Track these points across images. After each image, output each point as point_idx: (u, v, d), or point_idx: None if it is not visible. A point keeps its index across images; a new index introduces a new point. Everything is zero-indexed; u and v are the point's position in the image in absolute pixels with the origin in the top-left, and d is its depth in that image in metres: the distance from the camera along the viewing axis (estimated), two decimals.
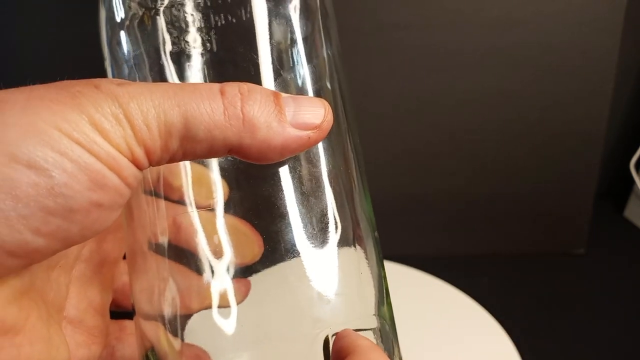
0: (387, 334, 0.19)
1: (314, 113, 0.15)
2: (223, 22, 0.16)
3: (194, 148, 0.14)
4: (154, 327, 0.17)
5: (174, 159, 0.14)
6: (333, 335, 0.17)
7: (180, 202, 0.17)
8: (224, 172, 0.17)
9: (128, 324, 0.21)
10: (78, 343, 0.18)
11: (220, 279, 0.17)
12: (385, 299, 0.19)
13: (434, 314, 0.42)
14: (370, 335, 0.18)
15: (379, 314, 0.19)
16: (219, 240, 0.17)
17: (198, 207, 0.17)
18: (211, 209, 0.17)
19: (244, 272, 0.17)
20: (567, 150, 0.52)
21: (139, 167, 0.14)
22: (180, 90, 0.14)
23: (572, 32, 0.48)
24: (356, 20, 0.48)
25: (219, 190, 0.17)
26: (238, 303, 0.16)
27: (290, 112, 0.15)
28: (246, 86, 0.15)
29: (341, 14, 0.49)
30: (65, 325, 0.18)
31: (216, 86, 0.14)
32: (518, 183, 0.53)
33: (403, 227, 0.53)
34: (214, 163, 0.17)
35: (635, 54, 0.59)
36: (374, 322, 0.18)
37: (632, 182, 0.60)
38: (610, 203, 0.64)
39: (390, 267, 0.46)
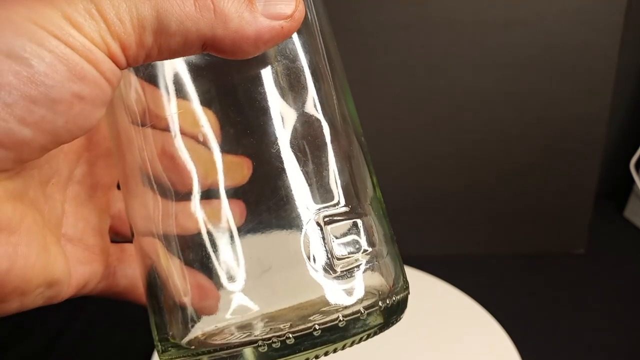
0: (381, 216, 0.19)
1: (285, 3, 0.15)
2: None
3: (168, 42, 0.14)
4: (152, 244, 0.18)
5: (150, 56, 0.15)
6: (325, 218, 0.17)
7: (168, 130, 0.17)
8: (209, 103, 0.17)
9: (128, 246, 0.21)
10: (79, 260, 0.18)
11: (211, 198, 0.17)
12: (374, 187, 0.20)
13: (434, 314, 0.42)
14: (361, 222, 0.18)
15: (372, 200, 0.19)
16: (207, 162, 0.17)
17: (185, 134, 0.17)
18: (198, 137, 0.17)
19: (237, 194, 0.17)
20: (567, 150, 0.52)
21: (117, 64, 0.14)
22: None
23: (572, 32, 0.48)
24: (356, 20, 0.48)
25: (203, 118, 0.17)
26: (237, 225, 0.17)
27: (261, 3, 0.15)
28: None
29: (341, 14, 0.49)
30: (64, 243, 0.18)
31: None
32: (518, 183, 0.53)
33: (403, 227, 0.53)
34: (199, 94, 0.17)
35: (635, 54, 0.59)
36: (367, 208, 0.18)
37: (632, 182, 0.60)
38: (610, 203, 0.64)
39: None
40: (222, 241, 0.17)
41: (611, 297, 0.49)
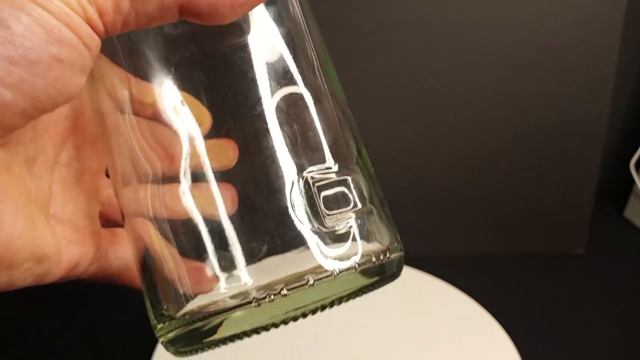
0: (369, 179, 0.19)
1: None
2: None
3: (145, 7, 0.15)
4: (144, 226, 0.18)
5: (127, 22, 0.15)
6: (313, 177, 0.17)
7: (151, 113, 0.17)
8: (190, 74, 0.17)
9: (120, 230, 0.21)
10: (69, 240, 0.18)
11: (199, 180, 0.17)
12: (362, 156, 0.20)
13: (434, 314, 0.42)
14: (350, 180, 0.18)
15: (359, 162, 0.19)
16: (192, 145, 0.17)
17: (168, 115, 0.17)
18: (181, 117, 0.17)
19: (226, 177, 0.17)
20: (567, 150, 0.52)
21: (95, 30, 0.14)
22: None
23: (572, 32, 0.48)
24: (356, 20, 0.48)
25: (185, 98, 0.17)
26: (228, 211, 0.17)
27: None
28: None
29: (341, 14, 0.49)
30: (54, 223, 0.18)
31: None
32: (518, 183, 0.53)
33: (403, 227, 0.52)
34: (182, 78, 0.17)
35: (635, 54, 0.59)
36: (355, 169, 0.19)
37: (632, 182, 0.60)
38: (610, 203, 0.64)
39: None
40: (212, 221, 0.17)
41: (611, 297, 0.49)
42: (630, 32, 0.51)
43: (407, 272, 0.47)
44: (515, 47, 0.49)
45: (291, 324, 0.17)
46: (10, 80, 0.13)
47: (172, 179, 0.17)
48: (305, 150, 0.17)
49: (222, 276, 0.16)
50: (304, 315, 0.17)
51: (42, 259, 0.16)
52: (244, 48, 0.17)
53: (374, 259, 0.17)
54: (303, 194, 0.17)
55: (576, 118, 0.51)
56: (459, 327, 0.41)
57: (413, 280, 0.45)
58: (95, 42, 0.15)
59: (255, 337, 0.17)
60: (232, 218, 0.17)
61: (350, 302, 0.18)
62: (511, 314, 0.42)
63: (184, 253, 0.17)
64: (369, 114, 0.50)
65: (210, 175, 0.17)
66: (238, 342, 0.17)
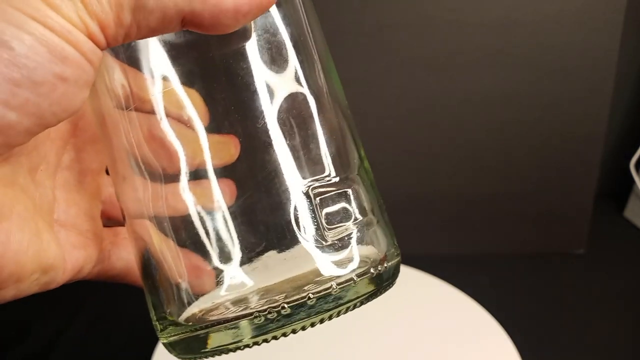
0: (369, 186, 0.19)
1: None
2: None
3: (147, 19, 0.14)
4: (144, 226, 0.18)
5: (129, 34, 0.15)
6: (314, 189, 0.17)
7: (153, 112, 0.17)
8: (193, 82, 0.17)
9: (122, 230, 0.21)
10: (73, 245, 0.18)
11: (200, 178, 0.17)
12: (362, 159, 0.20)
13: (434, 314, 0.42)
14: (350, 192, 0.18)
15: (360, 171, 0.19)
16: (193, 142, 0.17)
17: (170, 114, 0.17)
18: (183, 117, 0.17)
19: (226, 173, 0.17)
20: (567, 150, 0.52)
21: (97, 44, 0.14)
22: None
23: (572, 33, 0.48)
24: (356, 20, 0.48)
25: (187, 98, 0.17)
26: (228, 204, 0.17)
27: None
28: None
29: (341, 14, 0.49)
30: (57, 229, 0.18)
31: None
32: (518, 183, 0.53)
33: (403, 227, 0.52)
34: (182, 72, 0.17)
35: (635, 54, 0.59)
36: (356, 179, 0.19)
37: (632, 182, 0.60)
38: (610, 203, 0.64)
39: None
40: (214, 220, 0.17)
41: (611, 297, 0.49)
42: (630, 32, 0.51)
43: (407, 272, 0.47)
44: (515, 47, 0.49)
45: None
46: (14, 102, 0.13)
47: (174, 177, 0.17)
48: (307, 163, 0.17)
49: (223, 277, 0.17)
50: (304, 328, 0.17)
51: (48, 269, 0.16)
52: (246, 53, 0.17)
53: (372, 270, 0.18)
54: (305, 207, 0.17)
55: (576, 118, 0.51)
56: (458, 327, 0.41)
57: (413, 280, 0.45)
58: (98, 55, 0.14)
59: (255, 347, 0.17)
60: (234, 219, 0.17)
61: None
62: (511, 314, 0.42)
63: (184, 250, 0.17)
64: (369, 114, 0.50)
65: (211, 173, 0.17)
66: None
